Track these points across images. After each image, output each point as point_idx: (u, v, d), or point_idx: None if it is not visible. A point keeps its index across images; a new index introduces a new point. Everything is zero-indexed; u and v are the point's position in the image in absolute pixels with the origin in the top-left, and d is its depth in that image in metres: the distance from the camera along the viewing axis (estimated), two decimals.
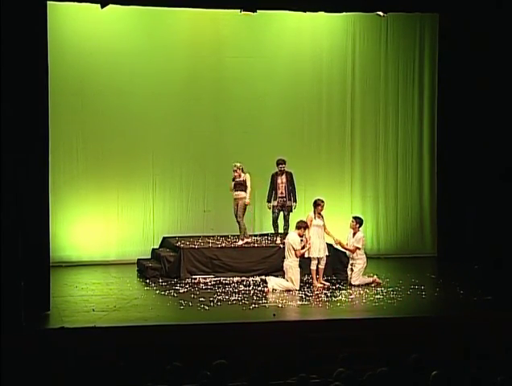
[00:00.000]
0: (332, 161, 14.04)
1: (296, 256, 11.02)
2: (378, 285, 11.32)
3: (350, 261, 11.49)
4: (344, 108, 14.00)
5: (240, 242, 12.16)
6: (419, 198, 14.42)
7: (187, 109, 13.50)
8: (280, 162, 12.05)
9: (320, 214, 11.25)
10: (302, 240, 11.12)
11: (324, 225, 11.29)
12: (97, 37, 12.98)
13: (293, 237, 11.07)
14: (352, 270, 11.39)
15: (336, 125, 14.04)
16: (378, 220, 14.24)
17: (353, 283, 11.32)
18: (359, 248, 11.37)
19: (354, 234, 11.44)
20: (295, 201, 12.18)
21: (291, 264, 11.02)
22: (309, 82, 13.83)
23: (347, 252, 11.72)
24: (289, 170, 12.19)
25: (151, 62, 13.27)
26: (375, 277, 11.51)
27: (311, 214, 11.28)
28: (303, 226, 11.07)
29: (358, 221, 11.45)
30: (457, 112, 13.60)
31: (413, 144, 14.36)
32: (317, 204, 11.26)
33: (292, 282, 10.96)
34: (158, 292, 10.84)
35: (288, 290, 10.88)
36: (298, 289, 10.93)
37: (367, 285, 11.30)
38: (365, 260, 11.47)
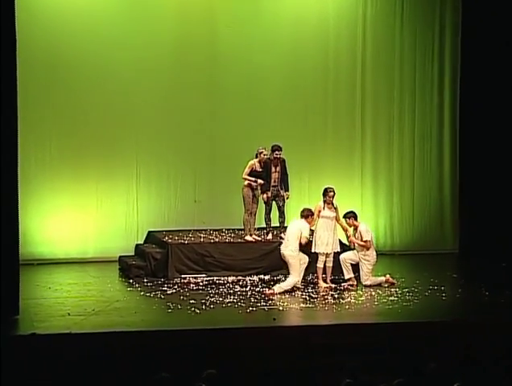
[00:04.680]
0: (340, 146, 14.06)
1: (302, 245, 10.99)
2: (392, 285, 11.32)
3: (359, 257, 11.44)
4: (353, 85, 13.97)
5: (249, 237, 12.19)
6: (439, 187, 14.43)
7: (176, 87, 13.48)
8: (277, 149, 12.08)
9: (331, 204, 11.24)
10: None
11: (336, 217, 11.27)
12: (73, 2, 12.90)
13: (303, 224, 11.04)
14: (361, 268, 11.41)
15: (345, 104, 14.01)
16: (392, 213, 14.26)
17: (363, 283, 11.33)
18: (369, 240, 11.35)
19: (356, 229, 11.41)
20: (287, 190, 12.18)
21: (293, 253, 10.99)
22: (314, 54, 13.81)
23: (355, 249, 11.67)
24: (282, 157, 12.19)
25: (134, 32, 13.25)
26: (388, 276, 11.51)
27: (321, 203, 11.27)
28: (310, 214, 11.09)
29: (352, 215, 11.42)
30: (483, 90, 13.55)
31: (432, 127, 14.36)
32: (326, 193, 11.24)
33: (292, 270, 10.91)
34: (142, 293, 10.84)
35: (291, 290, 10.85)
36: (300, 279, 10.93)
37: (379, 285, 11.30)
38: (375, 255, 11.46)
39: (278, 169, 12.17)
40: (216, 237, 12.54)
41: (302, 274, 11.11)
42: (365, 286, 11.26)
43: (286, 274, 11.25)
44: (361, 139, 14.14)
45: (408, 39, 14.06)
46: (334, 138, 14.07)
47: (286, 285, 10.92)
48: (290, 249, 11.02)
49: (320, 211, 11.23)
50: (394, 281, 11.46)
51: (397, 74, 14.10)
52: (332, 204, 11.29)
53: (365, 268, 11.34)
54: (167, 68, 13.43)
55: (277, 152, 12.08)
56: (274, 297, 10.68)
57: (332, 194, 11.28)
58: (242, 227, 12.45)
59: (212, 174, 13.65)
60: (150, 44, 13.30)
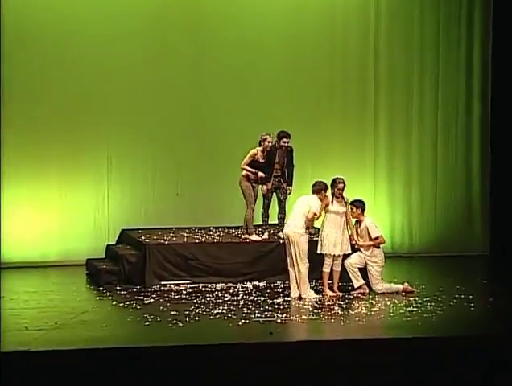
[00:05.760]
0: (349, 130, 14.12)
1: (308, 223, 10.99)
2: (411, 293, 11.31)
3: (365, 259, 11.42)
4: (365, 54, 13.99)
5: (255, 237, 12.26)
6: (466, 178, 14.48)
7: (154, 57, 13.50)
8: (284, 136, 12.09)
9: (341, 197, 11.23)
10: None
11: (346, 213, 11.28)
12: None
13: (314, 200, 11.05)
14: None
15: (355, 77, 14.04)
16: (411, 207, 14.29)
17: (374, 289, 11.36)
18: (381, 236, 11.33)
19: (359, 223, 11.40)
20: (290, 184, 12.17)
21: (299, 230, 10.96)
22: (318, 18, 13.84)
23: (362, 250, 11.65)
24: (290, 146, 12.17)
25: None
26: (406, 284, 11.53)
27: (329, 196, 11.25)
28: (323, 188, 11.06)
29: (360, 205, 11.40)
30: None
31: (458, 104, 14.37)
32: (335, 184, 11.22)
33: (300, 254, 10.92)
34: (114, 303, 10.85)
35: (297, 292, 10.91)
36: (308, 263, 10.98)
37: (395, 293, 11.32)
38: (383, 255, 11.44)
39: (283, 159, 12.12)
40: (202, 237, 12.54)
41: (307, 283, 11.08)
42: (378, 293, 11.28)
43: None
44: (373, 122, 14.16)
45: (430, 7, 14.04)
46: (342, 121, 14.09)
47: (303, 280, 10.90)
48: (294, 225, 10.99)
49: (327, 205, 11.21)
50: (414, 290, 11.47)
51: (416, 41, 14.12)
52: (342, 198, 11.28)
53: (374, 271, 11.35)
54: (144, 33, 13.44)
55: (284, 139, 12.07)
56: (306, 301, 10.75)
57: (341, 185, 11.28)
58: (233, 225, 12.47)
59: (197, 163, 13.65)
60: (126, 6, 13.28)
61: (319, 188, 11.10)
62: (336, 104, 14.07)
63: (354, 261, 11.36)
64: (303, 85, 13.89)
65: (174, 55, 13.49)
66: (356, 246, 11.41)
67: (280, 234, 12.14)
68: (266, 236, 12.31)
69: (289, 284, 11.21)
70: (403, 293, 11.35)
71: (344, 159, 13.94)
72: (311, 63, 13.90)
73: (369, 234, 11.32)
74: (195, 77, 13.56)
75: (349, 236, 11.35)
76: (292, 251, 11.02)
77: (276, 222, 12.41)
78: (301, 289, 11.00)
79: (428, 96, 14.27)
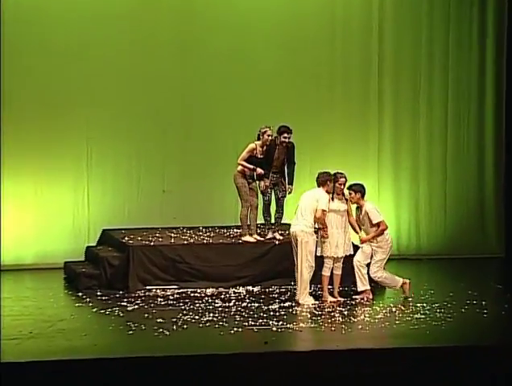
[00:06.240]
0: (351, 122, 14.22)
1: (317, 220, 10.98)
2: (405, 297, 11.36)
3: (372, 248, 11.44)
4: (368, 40, 14.05)
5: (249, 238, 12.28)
6: (479, 174, 14.53)
7: (141, 44, 13.56)
8: (285, 131, 12.14)
9: (342, 194, 11.25)
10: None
11: (347, 211, 11.28)
12: None
13: (320, 193, 11.07)
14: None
15: (357, 64, 14.08)
16: (419, 205, 14.32)
17: (372, 275, 11.38)
18: (382, 221, 11.34)
19: (360, 210, 11.41)
20: (290, 183, 12.18)
21: (308, 229, 10.97)
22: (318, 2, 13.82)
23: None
24: (292, 142, 12.20)
25: None
26: (408, 281, 11.53)
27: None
28: (328, 178, 11.08)
29: (359, 189, 11.38)
30: None
31: (470, 95, 14.43)
32: (336, 179, 11.25)
33: (306, 255, 10.93)
34: (95, 310, 10.86)
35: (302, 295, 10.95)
36: (314, 266, 11.02)
37: (393, 287, 11.44)
38: (390, 239, 11.45)
39: (283, 156, 12.14)
40: (191, 237, 12.57)
41: (308, 288, 11.10)
42: (375, 281, 11.36)
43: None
44: (377, 112, 14.22)
45: None
46: (344, 111, 14.17)
47: (303, 285, 10.91)
48: (303, 224, 10.99)
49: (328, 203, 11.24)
50: (410, 296, 11.46)
51: (425, 28, 14.16)
52: (343, 194, 11.30)
53: (379, 257, 11.35)
54: (130, 17, 13.47)
55: (285, 135, 12.10)
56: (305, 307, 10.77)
57: (343, 180, 11.32)
58: (224, 225, 12.47)
59: (185, 157, 13.68)
60: None
61: (323, 179, 11.13)
62: (338, 93, 14.11)
63: (361, 258, 11.34)
64: (302, 73, 13.93)
65: (161, 43, 13.54)
66: (360, 244, 11.42)
67: (276, 235, 12.18)
68: (270, 235, 12.30)
69: (296, 285, 11.23)
70: (403, 295, 11.39)
71: (346, 153, 13.97)
72: (311, 48, 13.95)
73: (370, 220, 11.31)
74: (183, 65, 13.60)
75: (351, 225, 11.32)
76: (298, 251, 11.03)
77: (273, 221, 12.44)
78: (300, 293, 11.02)
79: (437, 83, 14.31)
